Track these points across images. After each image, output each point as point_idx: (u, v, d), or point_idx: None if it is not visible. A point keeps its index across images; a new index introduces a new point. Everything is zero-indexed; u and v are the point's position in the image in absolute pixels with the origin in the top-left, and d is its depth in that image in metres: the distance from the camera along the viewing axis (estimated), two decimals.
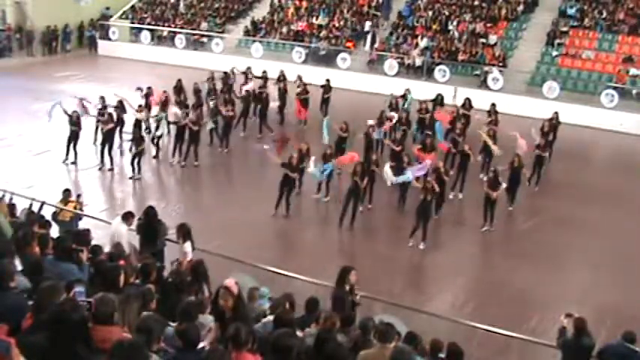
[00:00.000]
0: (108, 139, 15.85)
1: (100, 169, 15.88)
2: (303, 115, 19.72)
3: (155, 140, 16.81)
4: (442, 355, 6.53)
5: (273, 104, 19.14)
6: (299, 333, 5.72)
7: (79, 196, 11.43)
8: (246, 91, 19.47)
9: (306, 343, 5.46)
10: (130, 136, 15.76)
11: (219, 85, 20.19)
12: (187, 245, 8.93)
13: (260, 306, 7.31)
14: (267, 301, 7.50)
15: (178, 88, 19.20)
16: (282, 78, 20.44)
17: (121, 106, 16.94)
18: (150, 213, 9.65)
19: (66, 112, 15.90)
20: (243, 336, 4.55)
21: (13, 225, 7.88)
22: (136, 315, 4.91)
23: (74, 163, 16.04)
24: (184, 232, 9.04)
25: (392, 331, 5.41)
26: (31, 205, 10.00)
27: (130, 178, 15.44)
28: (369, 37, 26.56)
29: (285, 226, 13.58)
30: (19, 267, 5.82)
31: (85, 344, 3.80)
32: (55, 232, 9.44)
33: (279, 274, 9.18)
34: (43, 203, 9.97)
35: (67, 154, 16.05)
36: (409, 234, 12.59)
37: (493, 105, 17.99)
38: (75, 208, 11.01)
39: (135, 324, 4.58)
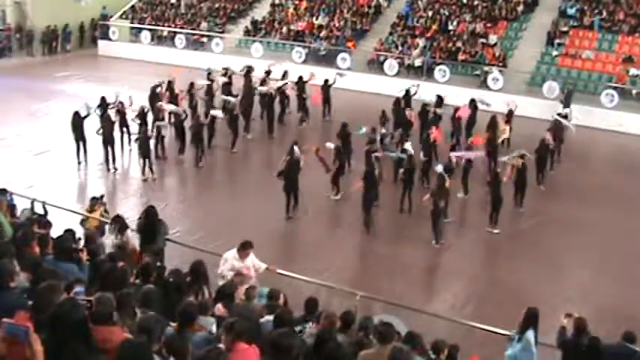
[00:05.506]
0: (109, 139, 15.81)
1: (108, 169, 15.83)
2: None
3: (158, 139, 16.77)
4: (433, 356, 6.51)
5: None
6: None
7: (102, 196, 11.35)
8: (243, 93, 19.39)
9: (306, 343, 5.46)
10: (136, 136, 15.73)
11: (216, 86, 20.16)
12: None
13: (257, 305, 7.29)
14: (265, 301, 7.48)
15: (169, 88, 19.06)
16: (285, 78, 20.42)
17: (122, 113, 16.88)
18: (150, 212, 9.71)
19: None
20: (239, 326, 4.64)
21: (13, 225, 7.89)
22: (132, 315, 4.91)
23: (79, 162, 16.01)
24: (121, 225, 8.98)
25: (391, 331, 5.40)
26: (32, 205, 10.00)
27: (144, 180, 15.37)
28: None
29: (287, 226, 13.55)
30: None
31: (85, 344, 3.80)
32: (54, 232, 9.42)
33: (280, 274, 9.17)
34: (44, 204, 9.96)
35: (78, 155, 15.97)
36: (435, 240, 12.60)
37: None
38: (101, 215, 10.80)
39: (135, 324, 4.58)
